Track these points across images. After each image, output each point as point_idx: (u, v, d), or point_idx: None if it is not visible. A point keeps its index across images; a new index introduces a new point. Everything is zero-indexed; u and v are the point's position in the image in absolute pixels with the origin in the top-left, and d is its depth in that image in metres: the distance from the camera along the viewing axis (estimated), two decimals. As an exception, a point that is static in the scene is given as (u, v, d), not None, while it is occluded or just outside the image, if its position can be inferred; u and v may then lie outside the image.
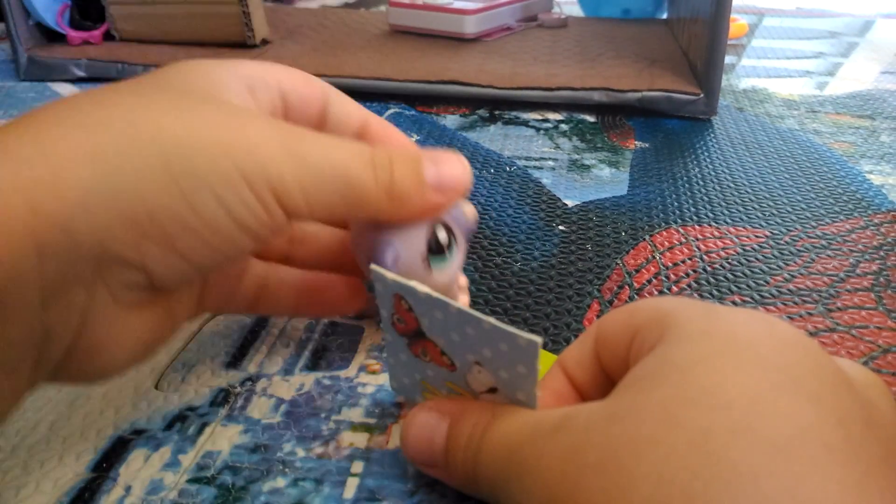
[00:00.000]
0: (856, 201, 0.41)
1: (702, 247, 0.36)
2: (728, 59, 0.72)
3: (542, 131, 0.53)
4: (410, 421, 0.21)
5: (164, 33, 0.67)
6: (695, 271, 0.34)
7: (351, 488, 0.22)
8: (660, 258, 0.35)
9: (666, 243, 0.37)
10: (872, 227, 0.38)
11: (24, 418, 0.25)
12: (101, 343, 0.20)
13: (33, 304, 0.17)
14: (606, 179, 0.45)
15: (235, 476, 0.23)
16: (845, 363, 0.19)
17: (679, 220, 0.39)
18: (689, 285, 0.33)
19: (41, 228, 0.17)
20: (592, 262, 0.35)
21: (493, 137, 0.52)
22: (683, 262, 0.35)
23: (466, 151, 0.49)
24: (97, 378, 0.21)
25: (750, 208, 0.41)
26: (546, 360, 0.26)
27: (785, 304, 0.32)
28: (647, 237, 0.37)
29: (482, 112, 0.57)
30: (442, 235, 0.23)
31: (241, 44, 0.67)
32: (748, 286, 0.33)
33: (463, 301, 0.27)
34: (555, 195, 0.43)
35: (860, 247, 0.36)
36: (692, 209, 0.41)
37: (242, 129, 0.20)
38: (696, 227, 0.39)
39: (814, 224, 0.39)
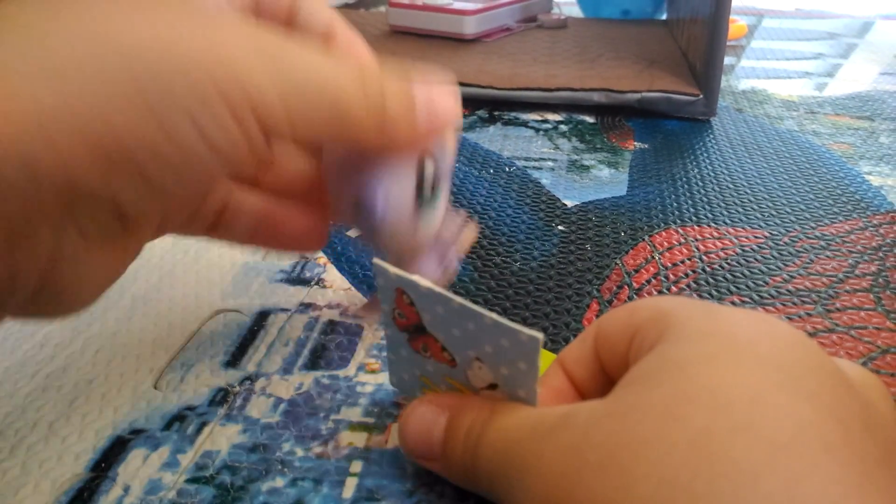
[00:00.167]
0: (854, 202, 0.41)
1: (701, 247, 0.36)
2: (727, 60, 0.72)
3: (541, 132, 0.53)
4: (409, 413, 0.21)
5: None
6: (694, 272, 0.34)
7: (350, 488, 0.22)
8: (659, 258, 0.35)
9: (665, 244, 0.37)
10: (871, 228, 0.38)
11: (24, 418, 0.25)
12: (68, 282, 0.18)
13: None
14: (606, 180, 0.45)
15: (234, 476, 0.23)
16: (844, 363, 0.19)
17: (678, 221, 0.39)
18: (689, 286, 0.33)
19: None
20: (592, 262, 0.35)
21: (493, 138, 0.52)
22: (682, 262, 0.35)
23: (466, 152, 0.49)
24: (59, 316, 0.20)
25: (749, 209, 0.41)
26: (545, 358, 0.26)
27: (784, 305, 0.32)
28: (646, 237, 0.37)
29: (482, 112, 0.57)
30: (429, 172, 0.22)
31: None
32: (747, 287, 0.33)
33: (469, 237, 0.25)
34: (554, 195, 0.43)
35: (859, 248, 0.36)
36: (691, 210, 0.41)
37: (220, 38, 0.17)
38: (696, 227, 0.39)
39: (813, 225, 0.39)
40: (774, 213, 0.40)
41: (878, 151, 0.49)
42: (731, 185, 0.44)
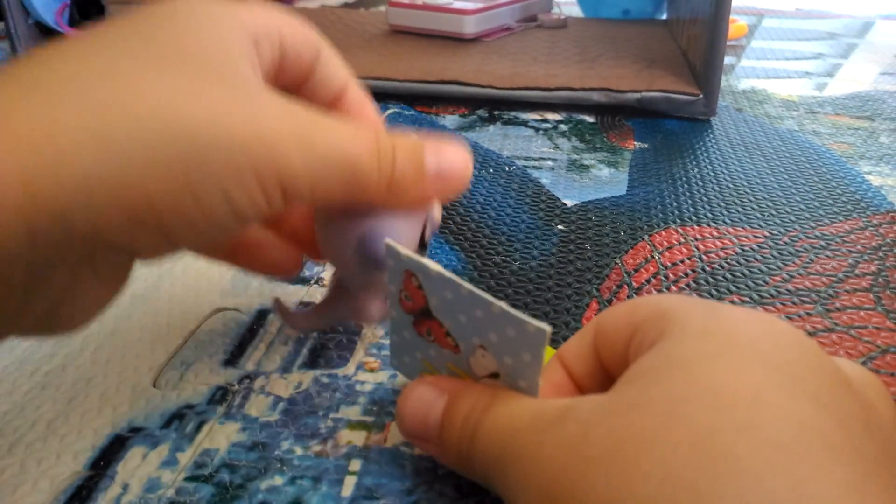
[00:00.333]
0: (854, 202, 0.41)
1: (701, 247, 0.36)
2: (727, 60, 0.72)
3: (541, 131, 0.53)
4: (407, 393, 0.21)
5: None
6: (693, 271, 0.34)
7: (349, 486, 0.22)
8: (659, 258, 0.35)
9: (665, 243, 0.37)
10: (871, 228, 0.38)
11: (22, 416, 0.25)
12: (70, 311, 0.20)
13: (17, 286, 0.17)
14: (605, 179, 0.45)
15: (233, 474, 0.23)
16: (844, 363, 0.19)
17: (678, 220, 0.39)
18: (688, 285, 0.33)
19: (37, 216, 0.16)
20: (591, 262, 0.35)
21: (493, 137, 0.52)
22: (682, 261, 0.35)
23: (465, 151, 0.49)
24: (54, 336, 0.21)
25: (749, 209, 0.41)
26: (545, 353, 0.26)
27: (784, 305, 0.31)
28: (645, 237, 0.37)
29: (481, 112, 0.57)
30: (428, 232, 0.23)
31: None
32: (747, 286, 0.33)
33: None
34: (554, 195, 0.43)
35: (859, 247, 0.36)
36: (691, 209, 0.41)
37: (259, 115, 0.19)
38: (695, 227, 0.39)
39: (812, 225, 0.39)
40: (774, 212, 0.40)
41: (878, 151, 0.49)
42: (730, 185, 0.44)
